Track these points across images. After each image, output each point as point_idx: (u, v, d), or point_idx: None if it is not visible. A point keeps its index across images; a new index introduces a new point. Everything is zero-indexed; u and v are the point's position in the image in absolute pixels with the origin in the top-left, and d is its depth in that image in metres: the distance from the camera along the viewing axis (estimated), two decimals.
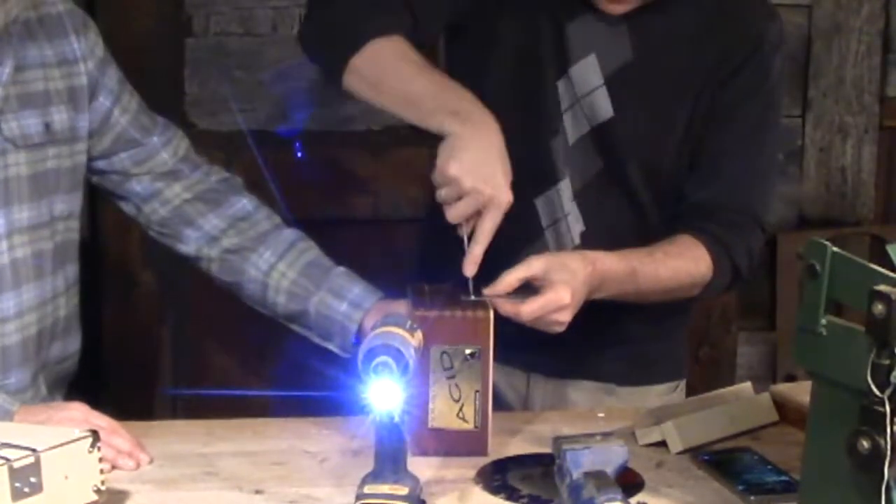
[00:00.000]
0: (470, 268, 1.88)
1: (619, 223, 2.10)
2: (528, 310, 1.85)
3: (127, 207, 2.16)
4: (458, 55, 2.16)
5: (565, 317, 1.87)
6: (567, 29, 2.03)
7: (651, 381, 2.23)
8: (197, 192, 2.13)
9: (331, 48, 2.04)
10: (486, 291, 1.87)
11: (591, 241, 2.07)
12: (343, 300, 2.07)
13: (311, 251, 2.12)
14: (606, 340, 2.15)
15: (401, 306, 1.98)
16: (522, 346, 2.06)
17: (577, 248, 2.09)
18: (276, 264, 2.10)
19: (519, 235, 2.06)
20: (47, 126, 1.96)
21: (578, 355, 2.14)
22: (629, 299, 2.01)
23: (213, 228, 2.12)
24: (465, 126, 1.89)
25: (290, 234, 2.13)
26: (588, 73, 2.04)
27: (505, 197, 1.88)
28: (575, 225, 2.10)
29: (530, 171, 2.06)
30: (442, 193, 1.89)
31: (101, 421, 1.83)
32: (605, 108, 2.04)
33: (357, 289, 2.08)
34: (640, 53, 2.03)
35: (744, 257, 2.07)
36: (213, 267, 2.14)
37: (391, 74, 1.99)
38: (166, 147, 2.12)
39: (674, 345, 2.27)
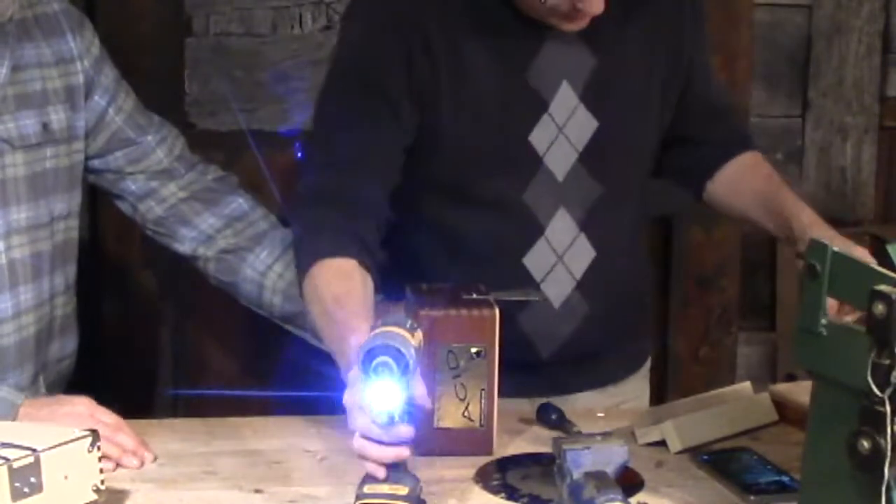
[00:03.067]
0: None
1: (625, 235, 2.13)
2: None
3: (123, 206, 2.16)
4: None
5: None
6: (528, 75, 2.01)
7: (631, 369, 2.24)
8: (192, 191, 2.13)
9: (297, 257, 1.94)
10: None
11: (603, 264, 2.09)
12: None
13: None
14: (605, 354, 2.17)
15: (399, 309, 1.98)
16: (531, 381, 2.09)
17: (581, 282, 2.09)
18: (273, 265, 2.10)
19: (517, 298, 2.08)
20: (45, 126, 1.95)
21: (583, 373, 2.16)
22: None
23: (209, 228, 2.12)
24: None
25: (287, 234, 2.12)
26: (565, 100, 2.03)
27: None
28: (580, 259, 2.08)
29: (509, 235, 2.05)
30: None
31: (106, 417, 1.83)
32: (588, 122, 2.04)
33: None
34: (601, 56, 2.03)
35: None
36: (209, 266, 2.13)
37: (313, 307, 1.88)
38: (161, 146, 2.12)
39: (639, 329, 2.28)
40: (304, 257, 1.89)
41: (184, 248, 2.14)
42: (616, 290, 2.13)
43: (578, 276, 2.09)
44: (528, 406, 2.08)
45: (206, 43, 3.25)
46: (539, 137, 2.03)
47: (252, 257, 2.11)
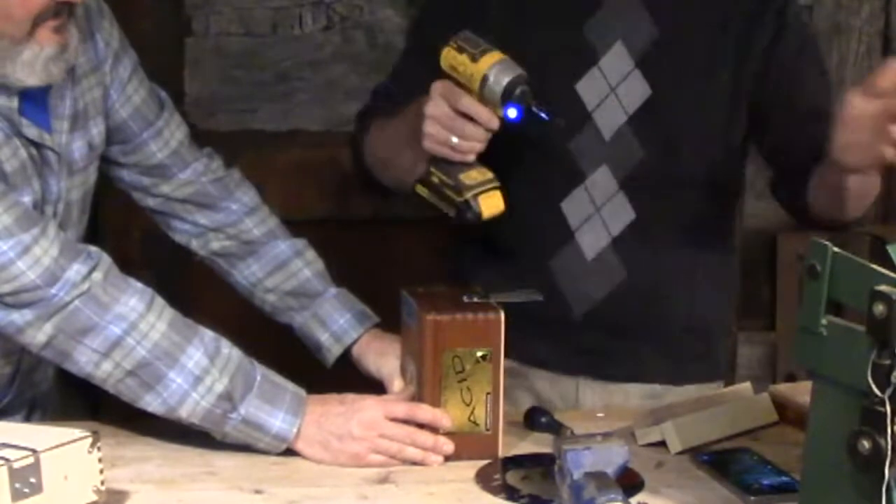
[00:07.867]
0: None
1: (673, 209, 2.10)
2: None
3: (120, 185, 2.10)
4: None
5: None
6: (585, 28, 2.06)
7: (688, 380, 2.19)
8: (186, 194, 2.07)
9: (353, 160, 2.18)
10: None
11: (643, 230, 2.08)
12: (326, 330, 2.05)
13: (302, 273, 2.08)
14: (646, 337, 2.14)
15: (395, 341, 1.99)
16: (568, 349, 2.08)
17: (616, 240, 2.09)
18: (263, 280, 2.09)
19: (548, 242, 2.10)
20: (90, 146, 1.92)
21: (622, 354, 2.14)
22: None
23: (202, 226, 2.08)
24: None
25: (284, 249, 2.10)
26: (618, 61, 2.06)
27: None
28: (618, 217, 2.08)
29: (550, 177, 2.08)
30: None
31: (395, 429, 1.84)
32: (641, 89, 2.06)
33: (343, 319, 2.05)
34: (664, 28, 2.06)
35: None
36: (204, 259, 2.11)
37: (378, 146, 2.09)
38: (155, 139, 2.03)
39: (711, 345, 2.24)
40: (363, 124, 2.14)
41: (177, 237, 2.11)
42: (659, 266, 2.11)
43: (615, 232, 2.09)
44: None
45: (206, 43, 3.26)
46: (587, 89, 2.07)
47: (243, 266, 2.09)
